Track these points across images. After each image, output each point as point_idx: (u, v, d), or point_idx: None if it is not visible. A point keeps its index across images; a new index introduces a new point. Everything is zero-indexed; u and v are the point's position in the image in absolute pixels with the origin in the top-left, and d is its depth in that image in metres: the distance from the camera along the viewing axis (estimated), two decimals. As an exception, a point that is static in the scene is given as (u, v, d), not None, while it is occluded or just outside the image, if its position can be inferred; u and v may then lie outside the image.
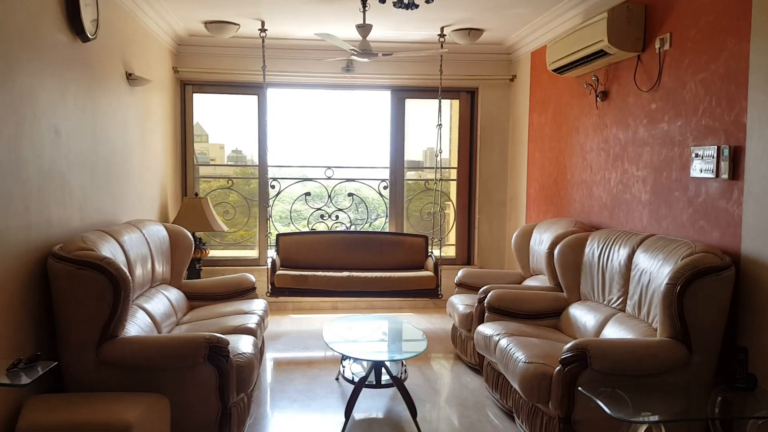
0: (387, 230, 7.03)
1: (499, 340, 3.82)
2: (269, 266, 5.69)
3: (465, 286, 5.30)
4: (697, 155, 3.61)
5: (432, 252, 6.26)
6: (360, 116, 7.43)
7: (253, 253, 7.01)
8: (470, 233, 7.11)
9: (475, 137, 6.99)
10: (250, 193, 7.01)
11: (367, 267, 6.18)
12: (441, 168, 6.35)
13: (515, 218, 6.72)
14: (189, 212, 5.95)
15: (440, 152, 6.07)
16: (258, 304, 4.62)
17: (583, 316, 4.05)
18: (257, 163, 6.90)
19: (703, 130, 3.60)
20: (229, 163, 7.51)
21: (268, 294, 5.62)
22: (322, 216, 6.91)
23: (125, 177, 4.78)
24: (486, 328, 4.08)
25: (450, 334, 5.38)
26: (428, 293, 5.72)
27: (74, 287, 3.12)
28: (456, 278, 5.38)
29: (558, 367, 3.17)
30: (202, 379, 3.16)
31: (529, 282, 5.13)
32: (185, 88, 6.65)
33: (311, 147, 7.55)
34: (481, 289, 4.59)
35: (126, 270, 3.25)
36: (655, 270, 3.48)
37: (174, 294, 4.54)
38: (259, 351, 4.27)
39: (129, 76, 4.81)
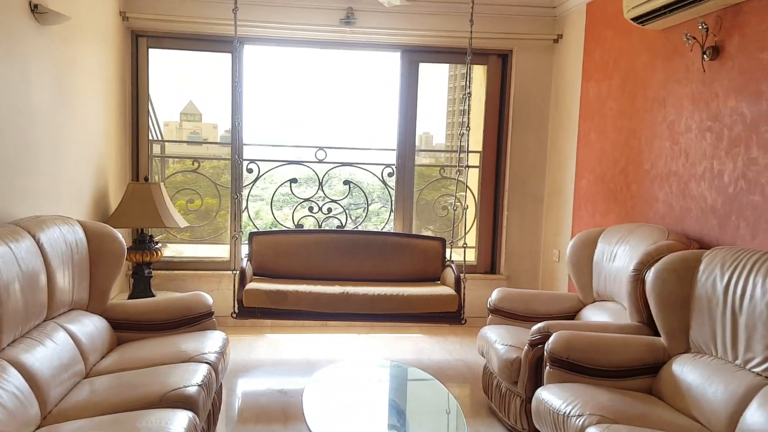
0: (391, 228, 5.62)
1: (583, 426, 2.41)
2: (236, 277, 4.24)
3: (502, 314, 3.89)
4: None
5: (452, 260, 4.85)
6: (361, 85, 5.97)
7: (224, 252, 5.58)
8: (496, 235, 5.69)
9: (506, 113, 5.55)
10: (226, 179, 5.57)
11: (367, 277, 4.76)
12: (466, 152, 4.92)
13: (556, 218, 5.31)
14: (134, 203, 4.50)
15: (468, 130, 4.63)
16: (212, 342, 3.20)
17: (704, 382, 2.64)
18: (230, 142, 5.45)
19: None
20: (198, 140, 6.07)
21: (234, 315, 4.19)
22: (311, 208, 5.47)
23: (26, 155, 3.32)
24: (554, 398, 2.68)
25: (480, 377, 3.98)
26: (448, 318, 4.31)
27: None
28: (490, 301, 3.96)
29: None
30: None
31: (593, 311, 3.72)
32: (138, 40, 5.16)
33: (299, 122, 6.10)
34: (535, 327, 3.18)
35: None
36: None
37: (89, 326, 3.11)
38: (206, 423, 2.87)
39: (34, 9, 3.34)
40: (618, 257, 3.54)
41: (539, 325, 3.17)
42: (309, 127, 5.96)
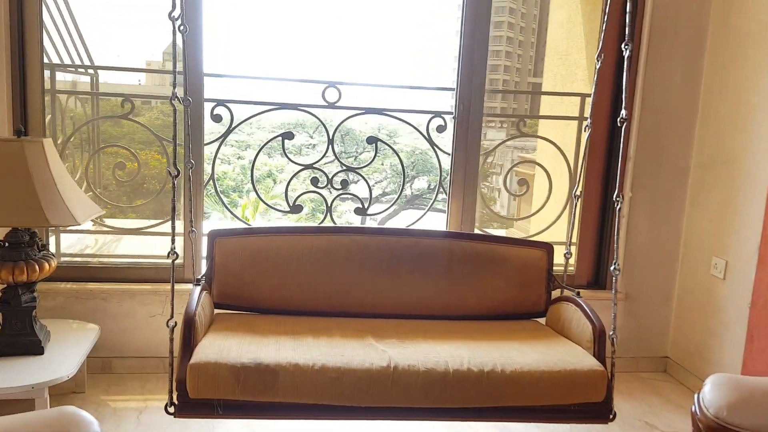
0: (439, 222, 3.57)
1: None
2: (175, 334, 2.14)
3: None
4: None
5: (572, 287, 2.78)
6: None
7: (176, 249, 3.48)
8: (604, 228, 3.63)
9: (636, 33, 3.41)
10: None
11: (420, 312, 2.72)
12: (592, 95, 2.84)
13: (719, 204, 3.25)
14: (-10, 177, 2.40)
15: (600, 60, 2.53)
16: None
17: None
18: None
19: None
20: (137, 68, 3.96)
21: (171, 411, 2.12)
22: (315, 181, 3.38)
23: None
24: None
25: None
26: (587, 413, 2.27)
27: None
28: (707, 407, 1.88)
29: None
30: None
31: None
32: None
33: (299, 45, 3.94)
34: None
35: None
36: None
37: None
38: None
39: None
40: None
41: None
42: (314, 52, 3.81)
